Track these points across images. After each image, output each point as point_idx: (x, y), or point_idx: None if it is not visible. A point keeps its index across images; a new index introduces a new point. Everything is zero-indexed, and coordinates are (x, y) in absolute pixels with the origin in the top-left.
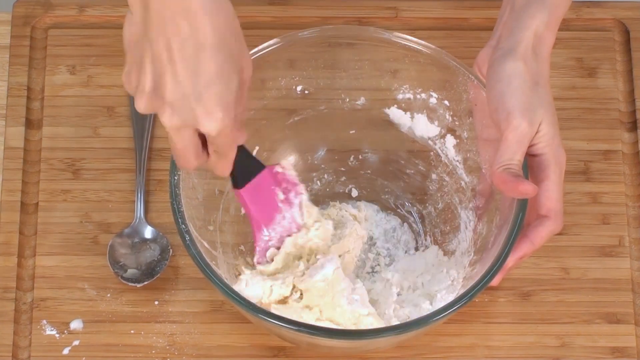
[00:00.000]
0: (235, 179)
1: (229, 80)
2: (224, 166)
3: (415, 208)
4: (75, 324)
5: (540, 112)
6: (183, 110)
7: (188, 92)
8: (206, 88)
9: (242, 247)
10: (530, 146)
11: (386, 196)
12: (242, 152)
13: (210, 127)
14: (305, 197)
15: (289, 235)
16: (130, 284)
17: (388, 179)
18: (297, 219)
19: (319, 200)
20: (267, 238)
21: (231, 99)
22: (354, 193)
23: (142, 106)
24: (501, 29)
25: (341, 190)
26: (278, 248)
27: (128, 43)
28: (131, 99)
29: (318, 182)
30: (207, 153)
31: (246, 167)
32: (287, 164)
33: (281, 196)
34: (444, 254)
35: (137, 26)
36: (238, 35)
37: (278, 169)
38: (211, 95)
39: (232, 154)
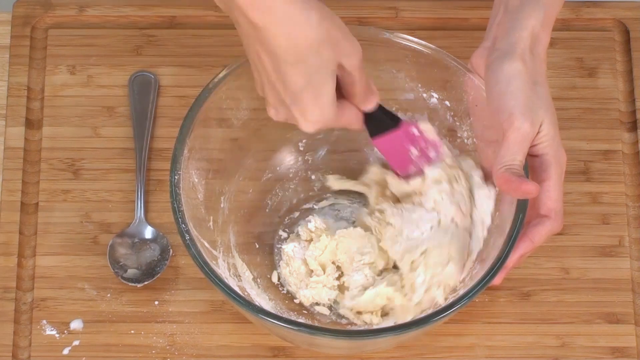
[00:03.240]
0: (369, 131)
1: (319, 86)
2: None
3: None
4: (75, 324)
5: (541, 113)
6: (284, 111)
7: (282, 98)
8: (298, 95)
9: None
10: (531, 146)
11: None
12: (379, 109)
13: (306, 128)
14: (446, 154)
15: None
16: (130, 284)
17: None
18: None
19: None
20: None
21: (326, 99)
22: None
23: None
24: (495, 30)
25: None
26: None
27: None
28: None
29: (318, 182)
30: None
31: (380, 122)
32: (425, 124)
33: (415, 152)
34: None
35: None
36: (330, 35)
37: (414, 130)
38: (303, 100)
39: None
